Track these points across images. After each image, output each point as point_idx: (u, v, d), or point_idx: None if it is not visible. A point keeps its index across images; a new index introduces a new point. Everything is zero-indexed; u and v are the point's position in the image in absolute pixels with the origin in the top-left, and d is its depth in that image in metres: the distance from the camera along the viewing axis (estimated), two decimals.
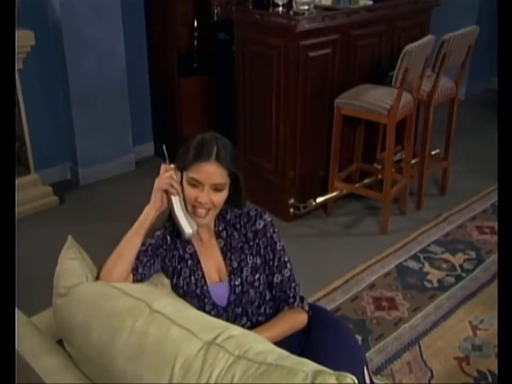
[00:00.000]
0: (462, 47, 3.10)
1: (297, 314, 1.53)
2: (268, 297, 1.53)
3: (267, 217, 1.54)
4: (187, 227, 1.43)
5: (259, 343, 0.99)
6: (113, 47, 3.54)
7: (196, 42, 3.97)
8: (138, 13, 3.74)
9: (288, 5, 3.06)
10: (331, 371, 0.89)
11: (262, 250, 1.51)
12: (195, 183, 1.43)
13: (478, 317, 2.47)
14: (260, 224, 1.52)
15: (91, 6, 3.38)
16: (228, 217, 1.53)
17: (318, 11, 3.01)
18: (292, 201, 3.23)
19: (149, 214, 1.43)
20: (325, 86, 3.11)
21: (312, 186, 3.28)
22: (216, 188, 1.43)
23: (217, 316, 1.46)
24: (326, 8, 3.08)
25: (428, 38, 2.91)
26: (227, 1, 3.83)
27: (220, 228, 1.53)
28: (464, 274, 2.76)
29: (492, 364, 2.21)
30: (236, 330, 1.04)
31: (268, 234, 1.52)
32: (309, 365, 0.91)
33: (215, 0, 3.78)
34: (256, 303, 1.51)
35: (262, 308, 1.53)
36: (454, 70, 3.30)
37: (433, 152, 3.56)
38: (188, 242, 1.50)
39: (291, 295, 1.53)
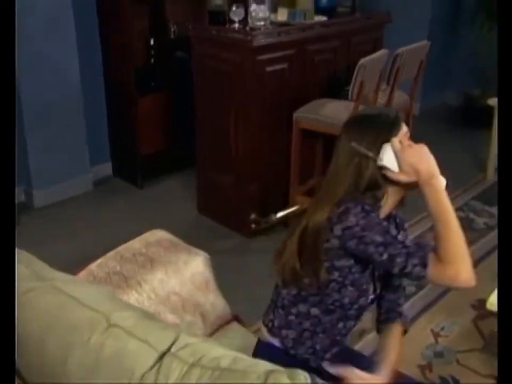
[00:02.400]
0: (414, 62, 3.20)
1: None
2: None
3: None
4: None
5: (214, 349, 0.99)
6: (67, 64, 3.49)
7: (153, 60, 3.98)
8: (93, 29, 3.70)
9: (244, 21, 3.11)
10: (283, 369, 0.89)
11: None
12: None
13: (439, 324, 2.52)
14: None
15: (43, 21, 3.33)
16: None
17: (273, 27, 3.07)
18: (253, 216, 3.24)
19: None
20: (283, 100, 3.15)
21: (273, 201, 3.30)
22: None
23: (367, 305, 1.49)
24: (281, 24, 3.14)
25: (382, 52, 2.99)
26: (184, 19, 3.87)
27: None
28: (424, 283, 2.80)
29: (454, 370, 2.25)
30: (192, 338, 1.03)
31: None
32: (262, 366, 0.91)
33: (172, 18, 3.80)
34: None
35: None
36: (409, 84, 3.40)
37: None
38: None
39: None
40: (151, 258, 1.71)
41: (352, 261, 1.40)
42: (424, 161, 1.35)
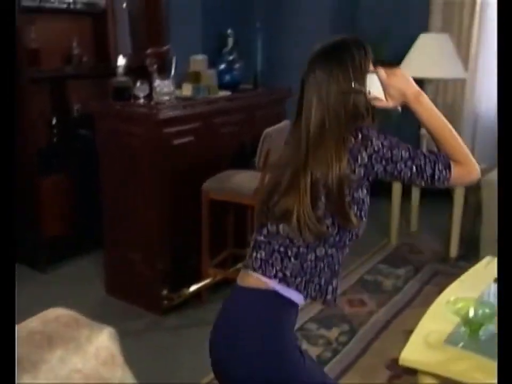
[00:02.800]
0: None
1: None
2: None
3: None
4: None
5: None
6: None
7: (55, 139, 3.88)
8: None
9: (149, 97, 3.13)
10: None
11: None
12: None
13: None
14: None
15: None
16: None
17: (178, 101, 3.10)
18: (164, 292, 3.12)
19: None
20: (191, 173, 3.14)
21: (185, 275, 3.20)
22: None
23: None
24: (186, 99, 3.18)
25: (285, 122, 3.09)
26: (87, 96, 3.85)
27: None
28: (340, 347, 2.78)
29: None
30: None
31: None
32: None
33: (75, 96, 3.76)
34: None
35: None
36: None
37: None
38: None
39: None
40: (49, 335, 1.57)
41: (365, 191, 1.44)
42: (409, 83, 1.43)
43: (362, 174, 1.40)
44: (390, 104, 1.44)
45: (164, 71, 3.13)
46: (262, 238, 1.50)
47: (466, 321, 1.93)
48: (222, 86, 3.45)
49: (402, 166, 1.39)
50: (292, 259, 1.46)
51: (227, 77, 3.51)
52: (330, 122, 1.41)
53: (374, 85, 1.42)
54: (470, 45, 4.80)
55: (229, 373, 1.43)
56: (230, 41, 3.65)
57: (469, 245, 3.97)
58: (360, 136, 1.38)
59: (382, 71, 1.43)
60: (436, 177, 1.41)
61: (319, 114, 1.42)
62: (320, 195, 1.39)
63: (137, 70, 3.94)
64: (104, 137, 3.14)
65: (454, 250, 3.85)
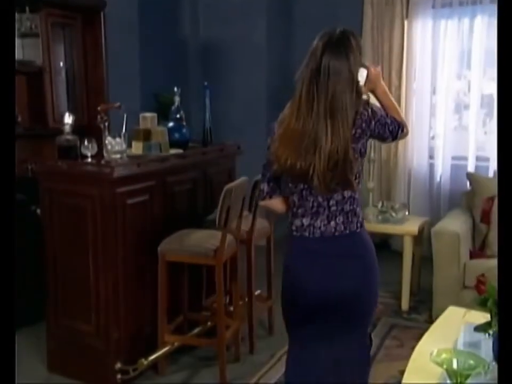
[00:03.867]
0: None
1: None
2: None
3: None
4: None
5: None
6: None
7: None
8: None
9: (98, 156, 2.98)
10: None
11: None
12: None
13: None
14: None
15: None
16: None
17: (131, 159, 2.96)
18: (118, 365, 2.87)
19: None
20: (146, 234, 2.99)
21: (140, 345, 2.97)
22: None
23: None
24: (138, 157, 3.05)
25: (243, 178, 3.02)
26: (22, 159, 3.63)
27: None
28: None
29: None
30: None
31: None
32: None
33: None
34: None
35: None
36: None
37: (256, 293, 3.56)
38: None
39: None
40: None
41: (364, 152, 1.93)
42: (380, 77, 2.04)
43: (368, 136, 1.89)
44: (366, 90, 1.94)
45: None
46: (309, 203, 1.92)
47: (452, 373, 1.88)
48: (171, 144, 3.34)
49: (388, 128, 1.94)
50: (340, 216, 1.90)
51: (176, 135, 3.41)
52: (346, 99, 1.81)
53: (361, 75, 1.91)
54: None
55: (360, 294, 1.92)
56: (176, 100, 3.56)
57: (418, 297, 4.02)
58: (370, 110, 1.89)
59: (371, 67, 1.99)
60: (397, 134, 1.98)
61: (338, 92, 1.80)
62: (333, 159, 1.79)
63: (77, 129, 3.86)
64: (50, 199, 2.93)
65: (405, 303, 3.86)
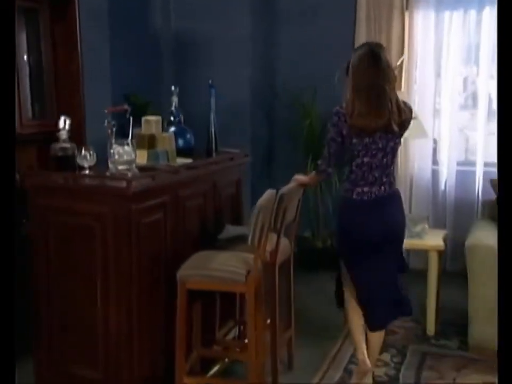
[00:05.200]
0: (294, 202, 3.23)
1: None
2: None
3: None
4: None
5: None
6: None
7: None
8: None
9: (95, 168, 2.86)
10: None
11: None
12: None
13: None
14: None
15: None
16: None
17: (141, 171, 2.85)
18: None
19: None
20: (160, 258, 2.89)
21: None
22: None
23: None
24: (147, 168, 2.94)
25: (271, 192, 2.94)
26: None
27: None
28: None
29: None
30: None
31: None
32: None
33: None
34: None
35: None
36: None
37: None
38: None
39: None
40: None
41: None
42: None
43: None
44: None
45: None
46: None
47: None
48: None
49: None
50: (389, 176, 3.00)
51: (180, 141, 3.32)
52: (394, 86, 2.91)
53: None
54: None
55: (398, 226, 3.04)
56: (174, 100, 3.47)
57: (441, 319, 4.06)
58: None
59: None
60: None
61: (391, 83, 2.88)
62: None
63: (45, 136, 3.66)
64: (43, 218, 2.78)
65: (431, 327, 3.88)
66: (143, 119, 3.13)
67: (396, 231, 3.02)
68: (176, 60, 5.53)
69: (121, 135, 4.17)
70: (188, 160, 3.21)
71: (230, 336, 3.53)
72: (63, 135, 2.86)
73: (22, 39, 3.83)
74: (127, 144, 2.82)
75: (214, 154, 3.47)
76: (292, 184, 3.16)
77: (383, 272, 3.00)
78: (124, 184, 2.62)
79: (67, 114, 3.82)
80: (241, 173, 3.67)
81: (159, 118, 3.21)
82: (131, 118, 2.93)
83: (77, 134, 3.83)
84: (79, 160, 2.84)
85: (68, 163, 2.85)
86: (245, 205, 3.75)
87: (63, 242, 2.77)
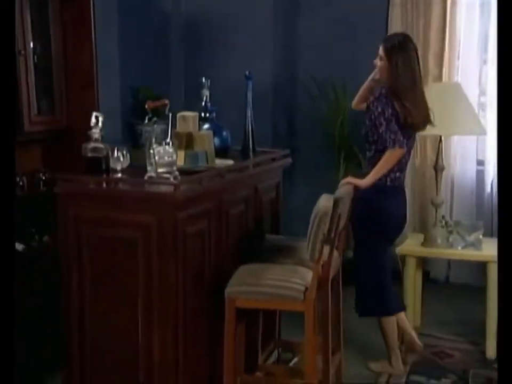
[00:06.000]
0: (347, 207, 3.25)
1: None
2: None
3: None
4: None
5: None
6: None
7: None
8: None
9: (128, 170, 2.88)
10: None
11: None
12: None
13: None
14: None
15: None
16: None
17: (183, 174, 2.86)
18: None
19: (368, 80, 3.70)
20: (203, 272, 2.92)
21: None
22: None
23: None
24: (186, 171, 2.95)
25: (328, 197, 2.96)
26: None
27: None
28: None
29: None
30: None
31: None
32: None
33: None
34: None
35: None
36: None
37: None
38: None
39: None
40: None
41: None
42: None
43: None
44: None
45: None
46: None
47: None
48: None
49: None
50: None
51: (216, 140, 3.33)
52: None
53: None
54: None
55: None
56: (206, 93, 3.48)
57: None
58: None
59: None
60: None
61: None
62: None
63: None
64: (76, 230, 2.78)
65: (491, 349, 3.90)
66: (179, 115, 3.14)
67: (406, 217, 3.76)
68: (186, 48, 5.53)
69: (131, 135, 4.23)
70: (228, 162, 3.23)
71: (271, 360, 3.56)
72: (96, 133, 2.86)
73: (27, 24, 3.79)
74: (168, 144, 2.83)
75: (251, 154, 3.49)
76: (345, 188, 3.19)
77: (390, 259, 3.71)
78: (170, 189, 2.63)
79: (78, 109, 3.95)
80: (281, 176, 3.69)
81: (196, 114, 3.22)
82: (170, 114, 2.93)
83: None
84: (111, 163, 2.85)
85: (99, 165, 2.86)
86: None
87: (98, 256, 2.78)
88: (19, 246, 3.44)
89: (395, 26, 5.24)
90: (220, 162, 3.21)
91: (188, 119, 3.16)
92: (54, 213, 3.72)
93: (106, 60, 4.42)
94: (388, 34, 3.83)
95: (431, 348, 4.03)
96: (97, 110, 3.92)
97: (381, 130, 3.40)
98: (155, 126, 2.79)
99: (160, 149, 2.81)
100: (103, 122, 2.88)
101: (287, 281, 2.85)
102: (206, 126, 3.40)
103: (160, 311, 2.70)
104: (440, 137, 4.05)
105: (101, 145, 2.86)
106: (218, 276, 2.98)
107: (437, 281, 5.20)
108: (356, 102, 3.81)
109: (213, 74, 5.17)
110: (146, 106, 2.85)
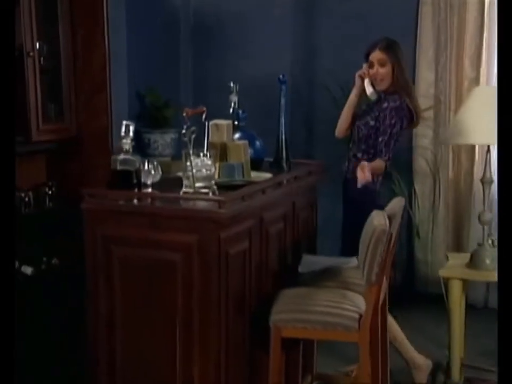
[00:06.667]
0: (397, 223, 3.28)
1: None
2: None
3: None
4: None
5: None
6: None
7: None
8: None
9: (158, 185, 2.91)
10: None
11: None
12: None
13: None
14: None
15: None
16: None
17: (221, 189, 2.89)
18: None
19: (351, 98, 3.95)
20: (244, 296, 2.94)
21: None
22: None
23: None
24: (222, 186, 2.96)
25: (381, 213, 2.98)
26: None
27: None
28: None
29: None
30: None
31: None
32: None
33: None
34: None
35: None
36: None
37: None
38: None
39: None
40: None
41: None
42: None
43: None
44: None
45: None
46: None
47: None
48: None
49: None
50: None
51: (249, 151, 3.34)
52: None
53: None
54: None
55: None
56: (234, 99, 3.50)
57: None
58: None
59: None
60: None
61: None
62: None
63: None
64: (104, 251, 2.80)
65: None
66: (212, 123, 3.15)
67: None
68: (195, 46, 5.54)
69: (138, 144, 4.22)
70: (265, 175, 3.25)
71: None
72: (126, 144, 2.86)
73: (34, 22, 3.74)
74: (205, 156, 2.84)
75: (284, 166, 3.50)
76: (397, 202, 3.22)
77: None
78: (215, 206, 2.64)
79: (89, 115, 3.95)
80: (316, 190, 3.72)
81: (229, 122, 3.24)
82: (207, 122, 2.95)
83: (101, 142, 3.90)
84: (143, 177, 2.86)
85: (129, 179, 2.86)
86: None
87: (131, 280, 2.78)
88: (27, 270, 3.45)
89: (425, 26, 5.30)
90: (255, 175, 3.23)
91: (221, 127, 3.17)
92: (62, 232, 3.76)
93: (113, 59, 4.44)
94: (390, 39, 3.93)
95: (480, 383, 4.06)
96: (110, 116, 3.97)
97: (380, 139, 3.68)
98: (193, 136, 2.78)
99: (198, 161, 2.82)
100: (134, 132, 2.88)
101: (338, 308, 2.87)
102: (237, 135, 3.41)
103: (201, 342, 2.70)
104: (488, 147, 4.06)
105: (132, 157, 2.87)
106: (259, 301, 3.00)
107: (475, 307, 5.21)
108: (344, 128, 3.97)
109: (224, 78, 5.28)
110: (184, 113, 2.86)
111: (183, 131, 2.78)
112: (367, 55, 3.88)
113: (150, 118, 4.93)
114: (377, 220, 2.86)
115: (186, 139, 2.80)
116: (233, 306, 2.82)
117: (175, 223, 2.71)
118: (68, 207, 3.86)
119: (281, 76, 3.58)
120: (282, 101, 3.54)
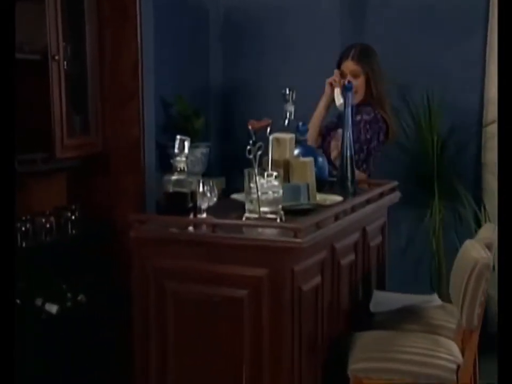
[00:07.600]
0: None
1: None
2: None
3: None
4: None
5: None
6: None
7: None
8: None
9: (213, 209, 2.92)
10: None
11: None
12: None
13: None
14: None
15: None
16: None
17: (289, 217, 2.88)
18: None
19: (320, 109, 4.08)
20: (316, 338, 2.95)
21: None
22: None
23: None
24: (287, 210, 2.95)
25: (474, 243, 2.98)
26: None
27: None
28: None
29: None
30: None
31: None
32: None
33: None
34: None
35: None
36: None
37: None
38: None
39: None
40: None
41: None
42: None
43: None
44: None
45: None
46: None
47: None
48: None
49: None
50: None
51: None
52: None
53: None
54: None
55: None
56: (290, 109, 3.48)
57: None
58: None
59: None
60: None
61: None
62: None
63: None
64: (156, 285, 2.81)
65: None
66: (272, 137, 3.14)
67: None
68: (226, 48, 5.54)
69: (163, 160, 4.22)
70: (335, 198, 3.25)
71: None
72: (181, 162, 2.86)
73: (57, 18, 3.70)
74: (272, 176, 2.83)
75: (350, 186, 3.50)
76: (490, 227, 3.23)
77: None
78: (289, 235, 2.63)
79: (118, 127, 3.96)
80: (386, 214, 3.73)
81: (292, 136, 3.24)
82: (271, 137, 2.94)
83: (131, 158, 3.91)
84: (199, 201, 2.86)
85: (184, 203, 2.86)
86: None
87: (188, 321, 2.79)
88: (52, 308, 3.48)
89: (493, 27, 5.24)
90: (321, 198, 3.22)
91: (283, 142, 3.17)
92: (88, 264, 3.77)
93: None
94: (365, 46, 4.14)
95: None
96: (142, 128, 3.98)
97: (357, 157, 3.71)
98: (258, 152, 2.78)
99: (263, 182, 2.81)
100: (189, 149, 2.88)
101: (432, 357, 2.87)
102: (297, 150, 3.39)
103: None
104: None
105: (187, 178, 2.87)
106: (331, 343, 3.01)
107: None
108: (315, 138, 4.03)
109: (261, 84, 5.29)
110: (250, 127, 2.87)
111: (248, 147, 2.77)
112: (339, 64, 3.95)
113: (177, 129, 4.92)
114: (476, 252, 2.83)
115: (251, 156, 2.79)
116: (306, 350, 2.83)
117: (240, 255, 2.71)
118: (93, 235, 3.89)
119: (346, 81, 3.58)
120: (348, 111, 3.51)
